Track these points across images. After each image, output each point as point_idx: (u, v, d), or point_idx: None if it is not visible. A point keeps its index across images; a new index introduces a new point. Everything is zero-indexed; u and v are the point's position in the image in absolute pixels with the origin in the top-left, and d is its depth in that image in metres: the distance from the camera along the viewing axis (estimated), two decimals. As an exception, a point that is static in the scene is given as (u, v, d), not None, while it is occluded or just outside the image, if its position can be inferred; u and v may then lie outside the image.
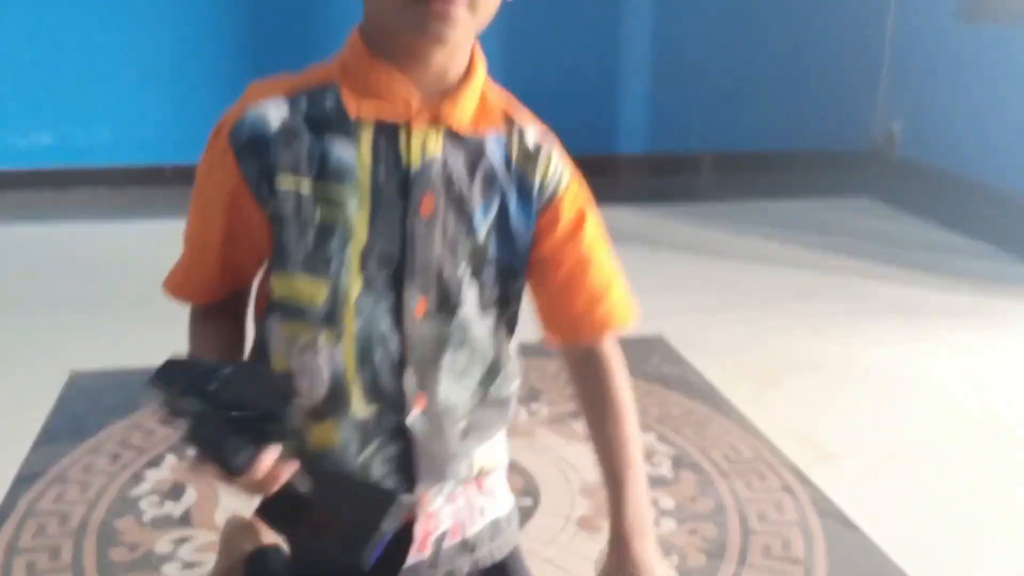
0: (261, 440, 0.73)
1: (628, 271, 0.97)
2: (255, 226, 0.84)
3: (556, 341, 0.96)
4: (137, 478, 1.65)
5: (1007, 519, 1.60)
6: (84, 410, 1.89)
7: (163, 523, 1.52)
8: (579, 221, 0.91)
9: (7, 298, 2.54)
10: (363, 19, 0.83)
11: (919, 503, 1.63)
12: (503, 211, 0.88)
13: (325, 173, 0.82)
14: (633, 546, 0.90)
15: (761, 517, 1.57)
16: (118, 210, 3.44)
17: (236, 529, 1.30)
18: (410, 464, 0.89)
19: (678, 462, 1.73)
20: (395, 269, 0.84)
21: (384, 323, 0.84)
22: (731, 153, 4.16)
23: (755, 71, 4.09)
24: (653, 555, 0.90)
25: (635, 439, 0.94)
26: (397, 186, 0.83)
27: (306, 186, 0.82)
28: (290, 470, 0.76)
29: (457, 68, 0.83)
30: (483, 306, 0.89)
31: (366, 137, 0.82)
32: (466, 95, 0.84)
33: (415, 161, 0.83)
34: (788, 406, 1.97)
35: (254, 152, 0.81)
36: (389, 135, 0.82)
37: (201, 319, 0.94)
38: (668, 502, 1.60)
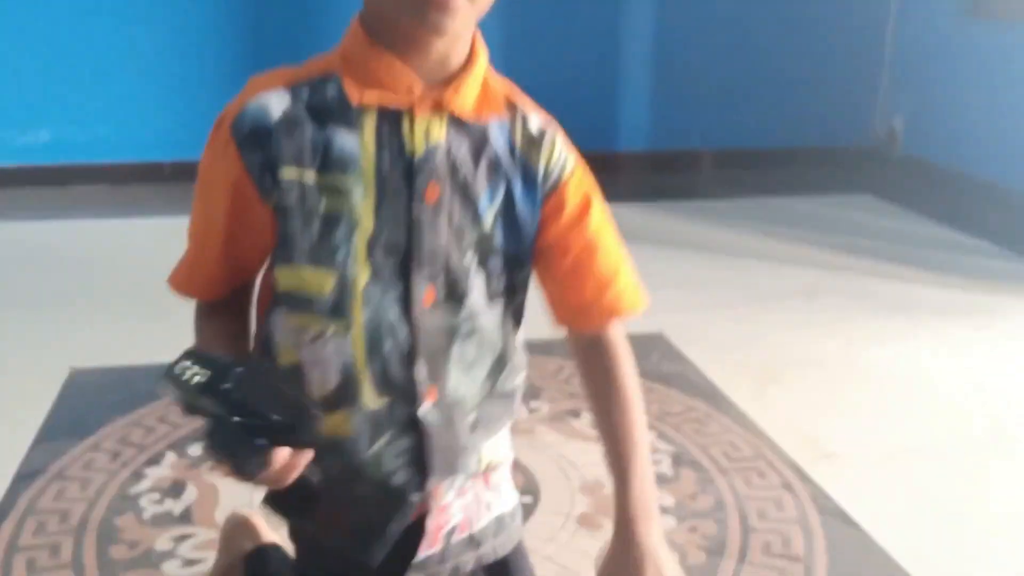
0: (277, 440, 0.73)
1: (628, 269, 0.97)
2: (259, 218, 0.84)
3: (565, 328, 0.96)
4: (137, 476, 1.65)
5: (1006, 517, 1.59)
6: (84, 407, 1.89)
7: (163, 521, 1.52)
8: (585, 207, 0.91)
9: (6, 295, 2.53)
10: (363, 8, 0.83)
11: (919, 501, 1.63)
12: (508, 198, 0.87)
13: (329, 163, 0.82)
14: (638, 530, 0.89)
15: (761, 515, 1.57)
16: (117, 207, 3.43)
17: (236, 527, 1.30)
18: (422, 457, 0.88)
19: (678, 460, 1.73)
20: (402, 258, 0.84)
21: (392, 312, 0.84)
22: (732, 150, 4.16)
23: (756, 68, 4.08)
24: (658, 540, 0.89)
25: (641, 425, 0.93)
26: (402, 173, 0.83)
27: (310, 176, 0.82)
28: (305, 459, 0.75)
29: (458, 56, 0.83)
30: (490, 296, 0.88)
31: (369, 125, 0.82)
32: (468, 82, 0.83)
33: (419, 148, 0.83)
34: (788, 404, 1.97)
35: (256, 143, 0.81)
36: (392, 122, 0.82)
37: (207, 315, 0.93)
38: (668, 499, 1.60)
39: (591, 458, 1.72)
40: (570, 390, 1.99)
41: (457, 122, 0.84)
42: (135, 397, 1.92)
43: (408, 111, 0.82)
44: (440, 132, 0.83)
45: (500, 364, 0.91)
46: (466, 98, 0.84)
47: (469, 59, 0.84)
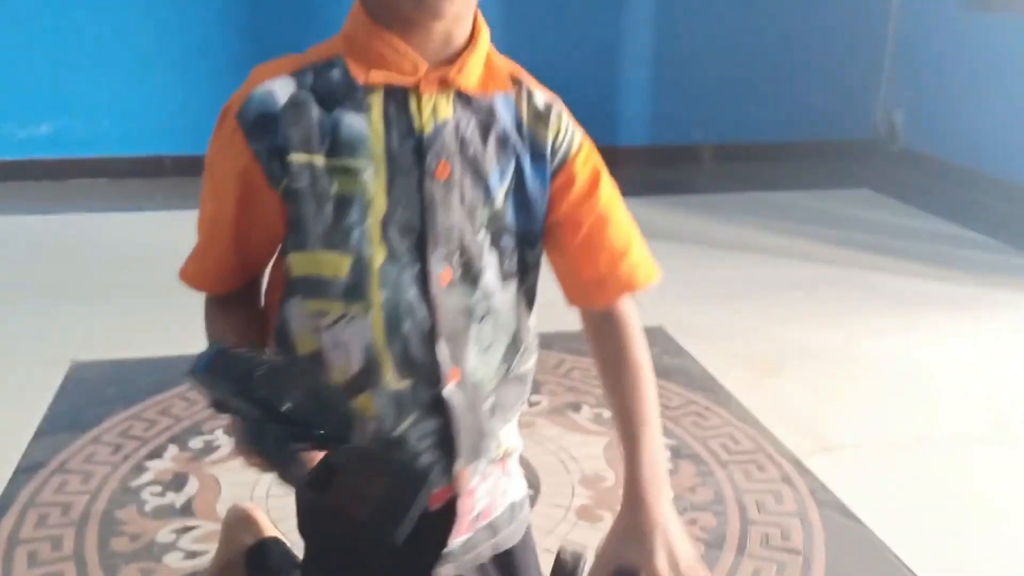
0: (316, 447, 0.73)
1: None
2: (269, 206, 0.84)
3: (579, 306, 0.95)
4: (139, 468, 1.65)
5: (1005, 510, 1.60)
6: (85, 401, 1.89)
7: (164, 513, 1.53)
8: (594, 181, 0.91)
9: (7, 289, 2.54)
10: None
11: (918, 494, 1.64)
12: (519, 176, 0.87)
13: (338, 145, 0.82)
14: (648, 499, 0.88)
15: (760, 507, 1.57)
16: (118, 200, 3.44)
17: (237, 520, 1.30)
18: (448, 440, 0.88)
19: (677, 452, 1.73)
20: (417, 238, 0.84)
21: (410, 292, 0.84)
22: (732, 144, 4.16)
23: (757, 62, 4.08)
24: (668, 510, 0.89)
25: (652, 397, 0.93)
26: (411, 151, 0.83)
27: (319, 160, 0.82)
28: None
29: (460, 36, 0.83)
30: (503, 276, 0.88)
31: (376, 105, 0.82)
32: (472, 61, 0.84)
33: (427, 125, 0.83)
34: (788, 397, 1.98)
35: (263, 129, 0.81)
36: (399, 101, 0.82)
37: (218, 308, 0.93)
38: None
39: (591, 451, 1.72)
40: (570, 384, 1.99)
41: (464, 99, 0.84)
42: (136, 390, 1.92)
43: (415, 89, 0.82)
44: (447, 109, 0.83)
45: (514, 346, 0.91)
46: (470, 76, 0.84)
47: (471, 38, 0.84)
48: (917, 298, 2.56)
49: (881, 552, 1.46)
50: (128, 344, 2.14)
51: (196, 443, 1.73)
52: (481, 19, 0.85)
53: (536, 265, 0.92)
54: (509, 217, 0.88)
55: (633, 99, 4.05)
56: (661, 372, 2.07)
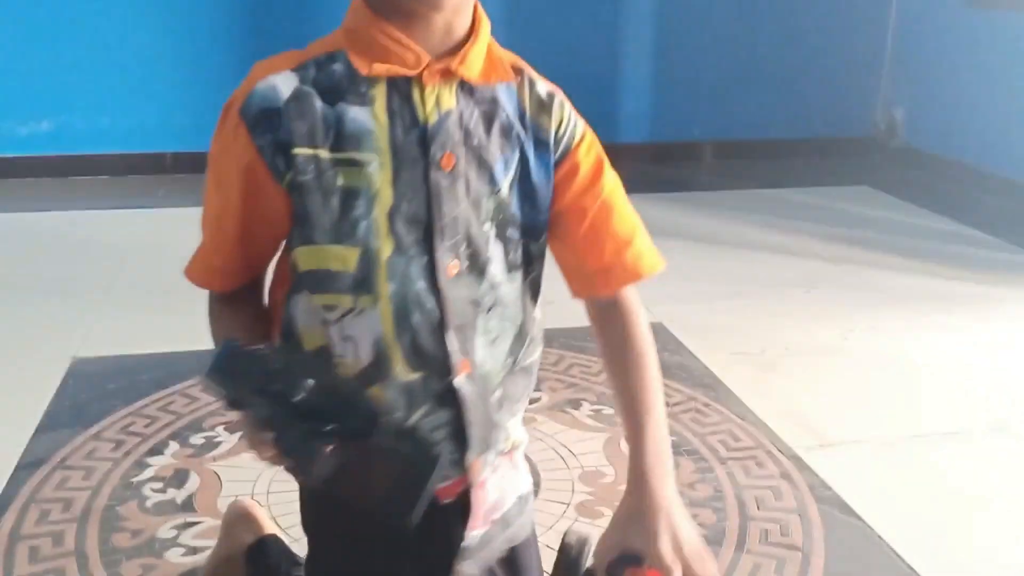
0: (337, 441, 0.74)
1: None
2: (273, 201, 0.84)
3: (584, 298, 0.96)
4: (140, 465, 1.66)
5: (1005, 507, 1.60)
6: (86, 397, 1.90)
7: (166, 509, 1.53)
8: (598, 170, 0.91)
9: (8, 285, 2.54)
10: None
11: (917, 490, 1.64)
12: (523, 167, 0.88)
13: (342, 138, 0.82)
14: (652, 483, 0.88)
15: (759, 503, 1.57)
16: (118, 197, 3.44)
17: (237, 517, 1.31)
18: (459, 431, 0.88)
19: (676, 449, 1.74)
20: (424, 230, 0.84)
21: (419, 284, 0.84)
22: (732, 142, 4.16)
23: (757, 59, 4.08)
24: (672, 493, 0.89)
25: (656, 383, 0.93)
26: (416, 143, 0.83)
27: (324, 154, 0.82)
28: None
29: (461, 27, 0.83)
30: (509, 267, 0.89)
31: (380, 97, 0.82)
32: (473, 51, 0.84)
33: (431, 116, 0.83)
34: (787, 393, 1.98)
35: (267, 124, 0.81)
36: (402, 93, 0.83)
37: (226, 305, 0.93)
38: (667, 489, 1.61)
39: (590, 447, 1.73)
40: (569, 380, 2.00)
41: (467, 90, 0.85)
42: (137, 386, 1.92)
43: (417, 80, 0.82)
44: (451, 100, 0.84)
45: (520, 338, 0.92)
46: (473, 66, 0.84)
47: (472, 29, 0.84)
48: (917, 295, 2.56)
49: (880, 548, 1.47)
50: (129, 340, 2.14)
51: (197, 439, 1.74)
52: (481, 11, 0.85)
53: (541, 256, 0.92)
54: (514, 207, 0.88)
55: (634, 96, 4.05)
56: (661, 369, 2.07)
